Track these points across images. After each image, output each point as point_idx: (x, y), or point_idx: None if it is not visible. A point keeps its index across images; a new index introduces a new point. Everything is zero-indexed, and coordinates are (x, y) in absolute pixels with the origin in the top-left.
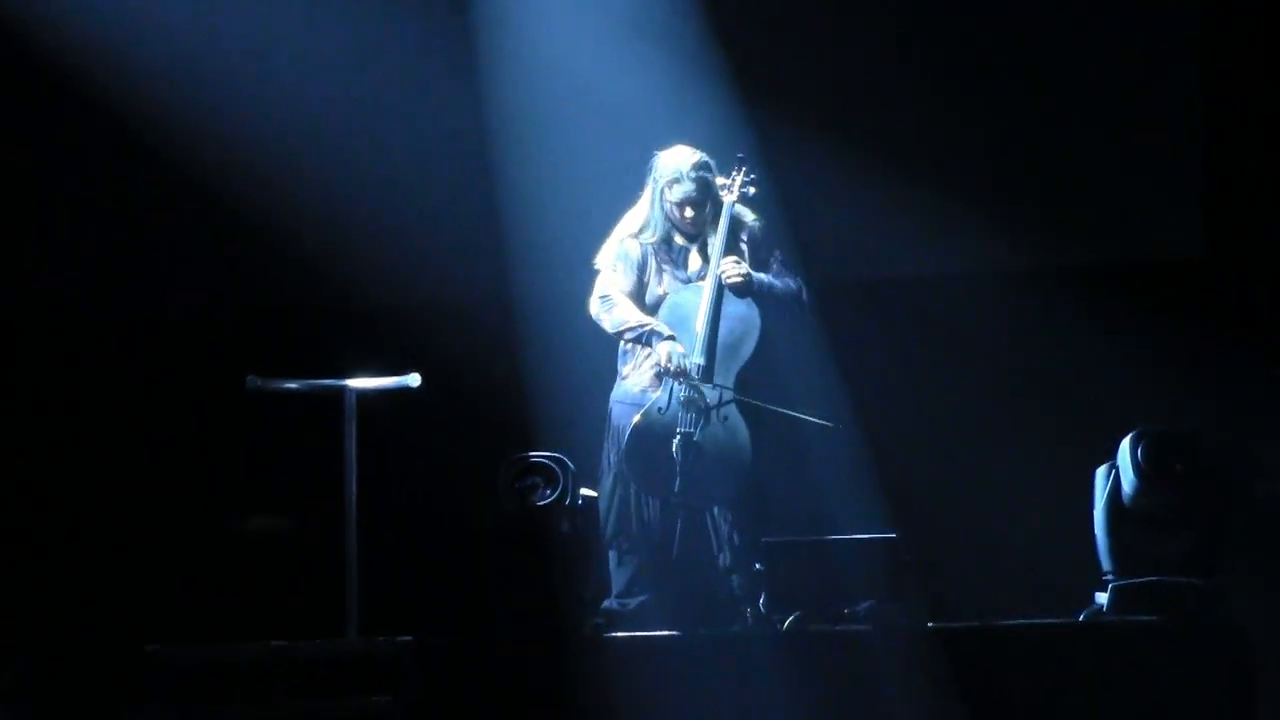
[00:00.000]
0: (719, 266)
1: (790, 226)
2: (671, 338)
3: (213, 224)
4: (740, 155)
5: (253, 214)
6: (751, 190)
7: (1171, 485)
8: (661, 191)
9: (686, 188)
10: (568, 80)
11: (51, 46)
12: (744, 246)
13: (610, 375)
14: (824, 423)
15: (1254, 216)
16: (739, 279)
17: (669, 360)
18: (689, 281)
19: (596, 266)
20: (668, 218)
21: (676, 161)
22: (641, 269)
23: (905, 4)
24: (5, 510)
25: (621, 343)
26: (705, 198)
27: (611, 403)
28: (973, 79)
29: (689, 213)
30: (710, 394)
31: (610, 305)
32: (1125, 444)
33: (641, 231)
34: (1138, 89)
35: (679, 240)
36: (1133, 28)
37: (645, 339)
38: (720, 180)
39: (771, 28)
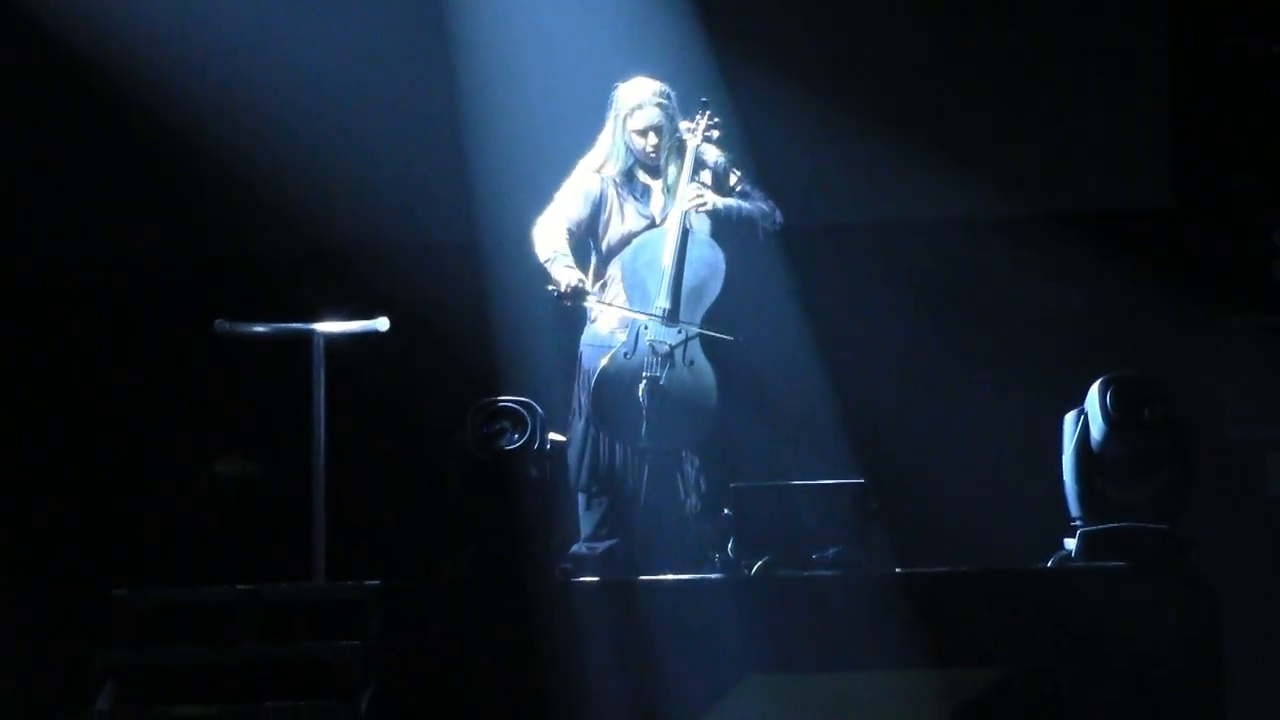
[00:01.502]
0: (683, 198)
1: (754, 170)
2: (572, 267)
3: (178, 169)
4: (704, 100)
5: (219, 159)
6: (715, 134)
7: (1140, 431)
8: (624, 122)
9: (648, 114)
10: (532, 20)
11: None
12: (707, 176)
13: (578, 317)
14: (723, 336)
15: (1221, 165)
16: (703, 207)
17: (563, 285)
18: (651, 219)
19: (554, 198)
20: (630, 148)
21: (637, 91)
22: (598, 203)
23: None
24: None
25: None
26: (666, 125)
27: (581, 345)
28: (941, 24)
29: (651, 140)
30: (675, 336)
31: (540, 230)
32: (1094, 390)
33: (603, 165)
34: (1106, 36)
35: (641, 176)
36: None
37: (549, 262)
38: (685, 124)
39: None
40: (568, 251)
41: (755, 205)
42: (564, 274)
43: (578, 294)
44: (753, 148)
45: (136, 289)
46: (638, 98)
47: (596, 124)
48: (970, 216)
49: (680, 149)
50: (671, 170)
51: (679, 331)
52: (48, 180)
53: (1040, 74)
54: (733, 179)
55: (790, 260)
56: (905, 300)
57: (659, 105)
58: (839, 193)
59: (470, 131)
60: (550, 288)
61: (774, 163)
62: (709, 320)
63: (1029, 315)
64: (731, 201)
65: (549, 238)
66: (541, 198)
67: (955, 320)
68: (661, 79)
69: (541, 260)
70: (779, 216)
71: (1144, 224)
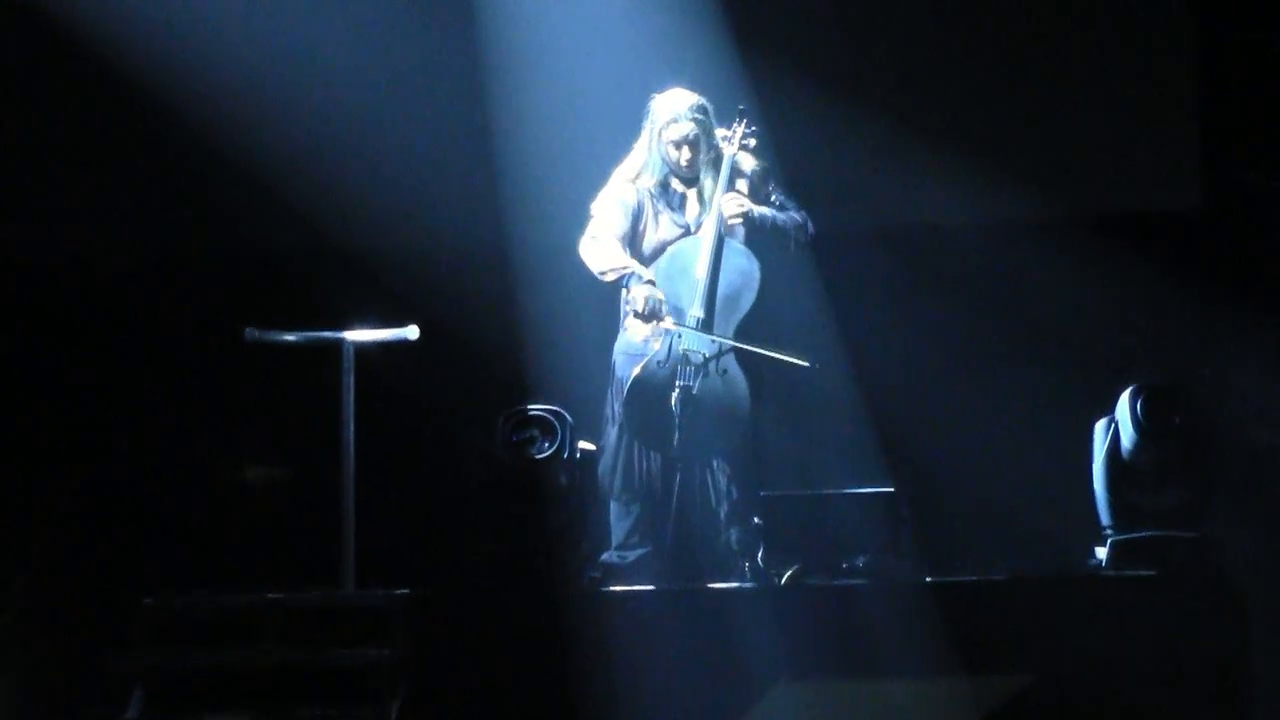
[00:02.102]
0: (720, 205)
1: (790, 176)
2: (651, 282)
3: (211, 174)
4: (741, 108)
5: (250, 165)
6: (752, 143)
7: (1170, 439)
8: (659, 133)
9: (684, 128)
10: (565, 26)
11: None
12: (744, 185)
13: (609, 326)
14: (799, 361)
15: (1251, 166)
16: (740, 215)
17: (645, 305)
18: (686, 227)
19: (592, 211)
20: (665, 160)
21: (673, 103)
22: (637, 214)
23: None
24: (3, 460)
25: (623, 292)
26: (702, 138)
27: (615, 354)
28: (970, 29)
29: (686, 153)
30: (709, 346)
31: (596, 245)
32: (1124, 398)
33: (639, 176)
34: (1134, 38)
35: (676, 185)
36: None
37: (625, 282)
38: (721, 132)
39: None
40: (640, 267)
41: (789, 216)
42: (641, 291)
43: (656, 312)
44: (785, 153)
45: (167, 295)
46: (674, 111)
47: (629, 130)
48: (999, 220)
49: (716, 160)
50: (707, 181)
51: (713, 340)
52: (81, 183)
53: (1068, 77)
54: (768, 188)
55: (822, 265)
56: (935, 306)
57: (695, 119)
58: (869, 197)
59: (502, 137)
60: (628, 308)
61: (806, 167)
62: (744, 329)
63: (1059, 319)
64: (766, 211)
65: (608, 256)
66: (573, 204)
67: (985, 325)
68: (694, 86)
69: (610, 276)
70: (811, 228)
71: (1174, 226)
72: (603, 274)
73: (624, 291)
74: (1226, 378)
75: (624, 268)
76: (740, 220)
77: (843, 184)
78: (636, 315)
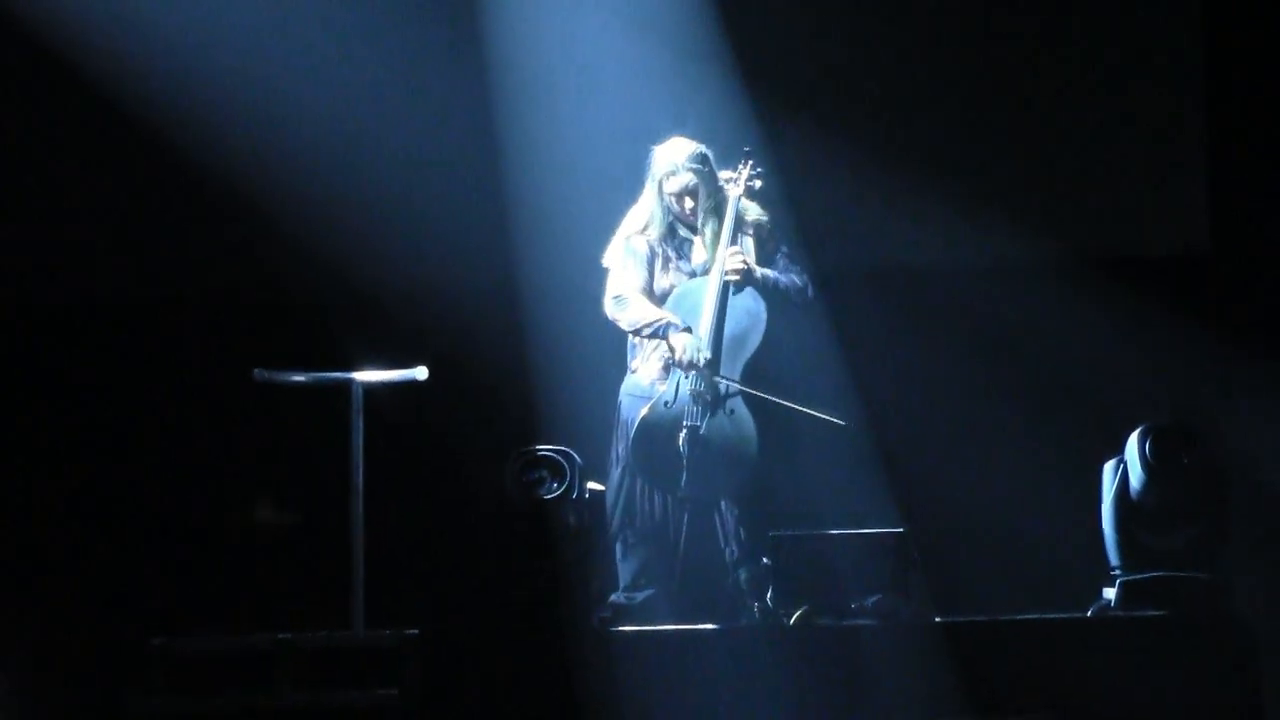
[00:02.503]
0: (723, 260)
1: (797, 218)
2: (688, 330)
3: (218, 215)
4: (747, 149)
5: (258, 205)
6: (758, 184)
7: (1179, 480)
8: (660, 184)
9: (684, 179)
10: (574, 72)
11: (59, 35)
12: (749, 240)
13: (618, 368)
14: (834, 419)
15: (1261, 210)
16: (738, 273)
17: (683, 352)
18: (694, 274)
19: (606, 265)
20: (668, 210)
21: (673, 154)
22: (650, 263)
23: None
24: (13, 501)
25: (632, 336)
26: (702, 187)
27: (621, 395)
28: (979, 70)
29: (688, 203)
30: (716, 387)
31: (625, 304)
32: (1134, 439)
33: (646, 228)
34: (1144, 81)
35: (682, 232)
36: (1137, 17)
37: (662, 332)
38: (726, 174)
39: (776, 21)
40: (674, 317)
41: (790, 279)
42: (680, 339)
43: (695, 361)
44: (791, 195)
45: (175, 334)
46: (673, 162)
47: (636, 172)
48: (1009, 263)
49: (719, 206)
50: (709, 227)
51: (720, 382)
52: (89, 223)
53: (1078, 120)
54: (774, 241)
55: (830, 306)
56: (944, 347)
57: (693, 169)
58: (876, 239)
59: (511, 178)
60: (666, 357)
61: (813, 210)
62: (751, 369)
63: (1068, 361)
64: (769, 273)
65: (641, 312)
66: (582, 245)
67: (995, 367)
68: (701, 130)
69: (646, 335)
70: (811, 292)
71: (1183, 269)
72: (637, 330)
73: (633, 337)
74: (1235, 420)
75: (659, 320)
76: (738, 278)
77: (852, 225)
78: (675, 364)
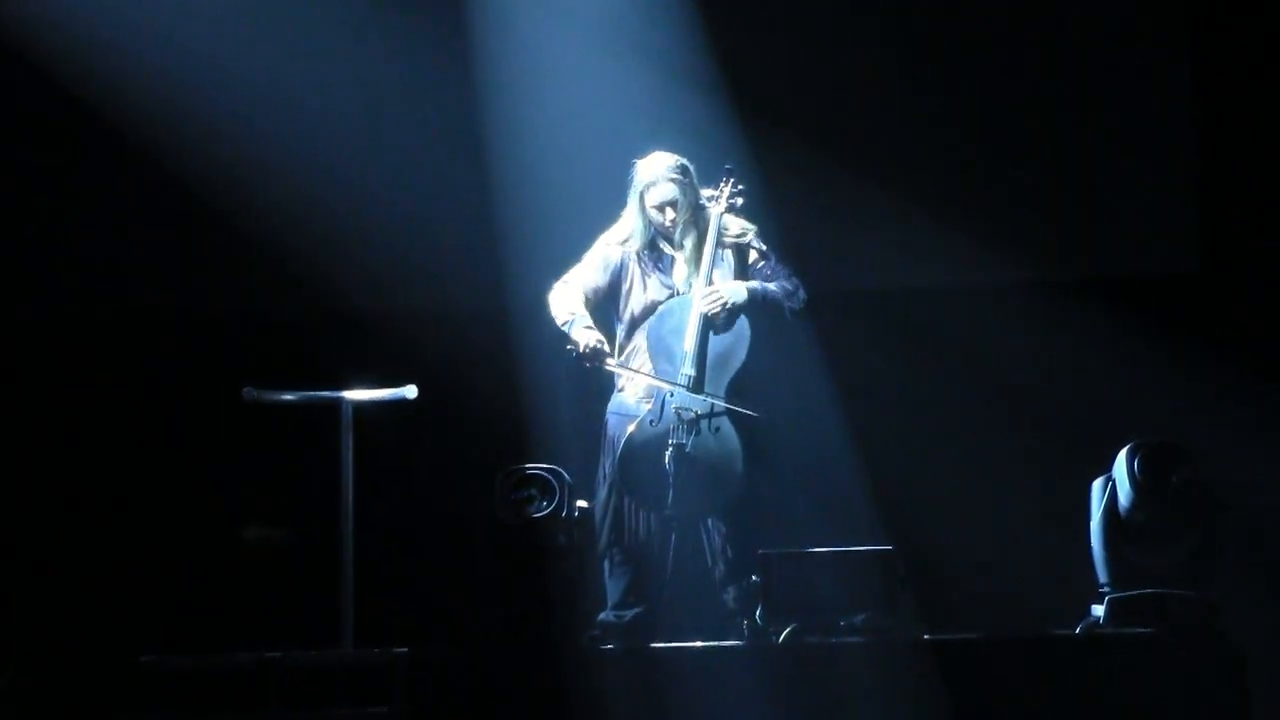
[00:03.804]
0: (700, 302)
1: (780, 237)
2: (590, 327)
3: (208, 233)
4: (728, 166)
5: (248, 223)
6: (739, 201)
7: (1168, 497)
8: (641, 196)
9: (664, 190)
10: (563, 90)
11: (48, 48)
12: (730, 255)
13: (606, 386)
14: (749, 412)
15: (1249, 230)
16: (721, 309)
17: (584, 347)
18: (675, 289)
19: None
20: (650, 223)
21: (653, 166)
22: (617, 273)
23: (897, 13)
24: (1, 519)
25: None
26: (682, 199)
27: (608, 414)
28: (967, 90)
29: (669, 214)
30: (701, 404)
31: (558, 292)
32: (1122, 456)
33: (627, 240)
34: (1133, 102)
35: (664, 248)
36: (1126, 40)
37: (568, 326)
38: (708, 191)
39: (762, 38)
40: (586, 314)
41: (779, 285)
42: (583, 335)
43: (597, 354)
44: (776, 214)
45: (165, 352)
46: (653, 174)
47: (624, 190)
48: (997, 282)
49: (699, 221)
50: (689, 242)
51: (704, 399)
52: (77, 241)
53: (1067, 139)
54: (753, 255)
55: (815, 326)
56: (932, 366)
57: (673, 180)
58: (863, 259)
59: (500, 197)
60: (569, 348)
61: (798, 229)
62: (735, 387)
63: (1056, 381)
64: (755, 285)
65: (565, 301)
66: (570, 264)
67: (983, 386)
68: (686, 147)
69: (559, 323)
70: (803, 294)
71: (1172, 289)
72: (556, 320)
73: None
74: (1224, 438)
75: (570, 313)
76: (722, 315)
77: (836, 245)
78: (577, 357)
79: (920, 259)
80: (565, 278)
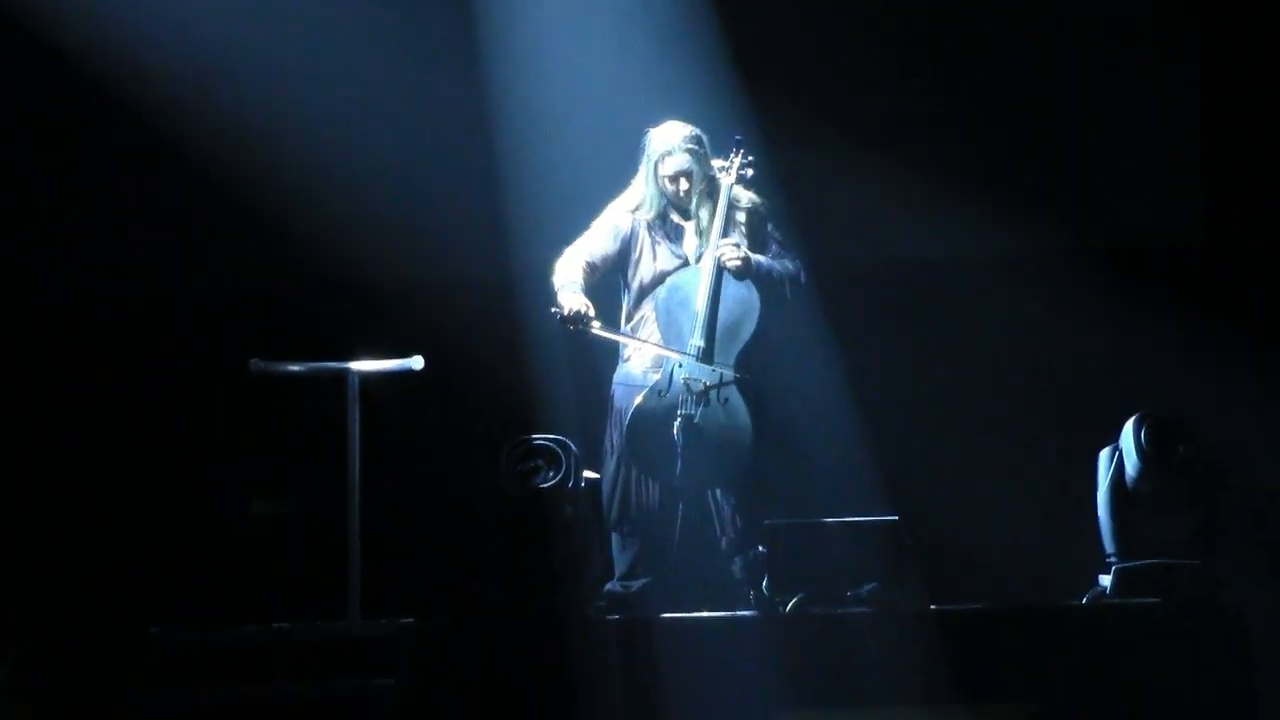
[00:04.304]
0: (718, 249)
1: (789, 207)
2: (577, 293)
3: (214, 207)
4: (738, 137)
5: (254, 197)
6: (749, 172)
7: (1174, 468)
8: (655, 166)
9: (679, 160)
10: (568, 60)
11: (54, 30)
12: (742, 228)
13: (613, 356)
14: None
15: (1254, 200)
16: (738, 262)
17: (566, 310)
18: (684, 259)
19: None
20: (662, 193)
21: (668, 136)
22: (627, 242)
23: None
24: (10, 493)
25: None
26: (697, 169)
27: (614, 385)
28: (972, 62)
29: (682, 185)
30: (710, 375)
31: (561, 261)
32: (1129, 427)
33: (637, 208)
34: (1137, 72)
35: (675, 218)
36: (1131, 9)
37: (561, 288)
38: (718, 162)
39: (768, 10)
40: (578, 280)
41: (784, 265)
42: (569, 299)
43: (579, 319)
44: (784, 186)
45: (171, 326)
46: (668, 143)
47: (631, 161)
48: (1002, 253)
49: (712, 192)
50: (703, 213)
51: (713, 370)
52: (85, 217)
53: (1072, 111)
54: (767, 227)
55: (822, 297)
56: (938, 336)
57: (689, 151)
58: (867, 230)
59: (505, 168)
60: (553, 310)
61: (805, 201)
62: (744, 358)
63: (1062, 351)
64: (763, 259)
65: (565, 268)
66: (577, 235)
67: (989, 356)
68: (694, 117)
69: (555, 288)
70: (804, 278)
71: (1178, 259)
72: (555, 288)
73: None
74: (1230, 408)
75: (569, 280)
76: (738, 268)
77: (843, 216)
78: (561, 320)
79: (925, 230)
80: (572, 246)
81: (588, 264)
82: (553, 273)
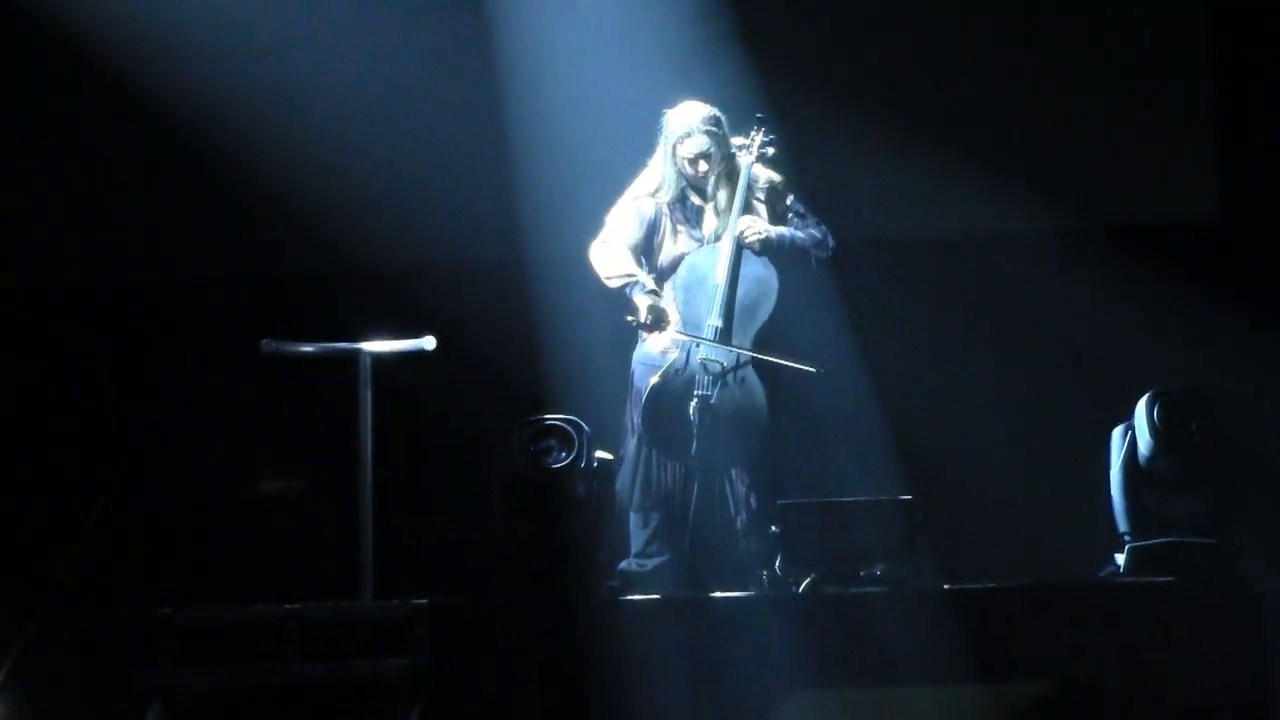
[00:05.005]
0: (737, 227)
1: (807, 186)
2: (654, 292)
3: (227, 189)
4: (759, 116)
5: (267, 179)
6: (770, 151)
7: (1187, 445)
8: (674, 148)
9: (698, 141)
10: (582, 38)
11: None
12: (761, 205)
13: (625, 336)
14: (806, 368)
15: (1270, 177)
16: (758, 238)
17: (647, 314)
18: (704, 241)
19: (606, 220)
20: (680, 174)
21: (686, 117)
22: (652, 226)
23: None
24: (20, 476)
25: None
26: (716, 151)
27: (633, 364)
28: (987, 39)
29: (701, 166)
30: (727, 356)
31: (604, 251)
32: (1141, 405)
33: (657, 191)
34: (1150, 47)
35: (694, 199)
36: None
37: (629, 289)
38: (739, 140)
39: None
40: (636, 274)
41: (808, 233)
42: (643, 302)
43: (659, 322)
44: (800, 164)
45: (183, 308)
46: (687, 125)
47: (644, 142)
48: (1017, 232)
49: (731, 173)
50: (722, 194)
51: (730, 351)
52: (96, 200)
53: (1086, 90)
54: (786, 201)
55: (838, 276)
56: (952, 315)
57: (708, 132)
58: (886, 208)
59: (518, 149)
60: (630, 318)
61: (822, 179)
62: (762, 338)
63: (1076, 329)
64: (784, 230)
65: (616, 262)
66: (588, 214)
67: (1003, 334)
68: (709, 97)
69: (613, 286)
70: (831, 242)
71: (1191, 237)
72: (609, 279)
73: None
74: (1244, 385)
75: (629, 275)
76: (759, 243)
77: (862, 195)
78: (639, 326)
79: (939, 209)
80: (603, 236)
81: (632, 255)
82: (594, 268)
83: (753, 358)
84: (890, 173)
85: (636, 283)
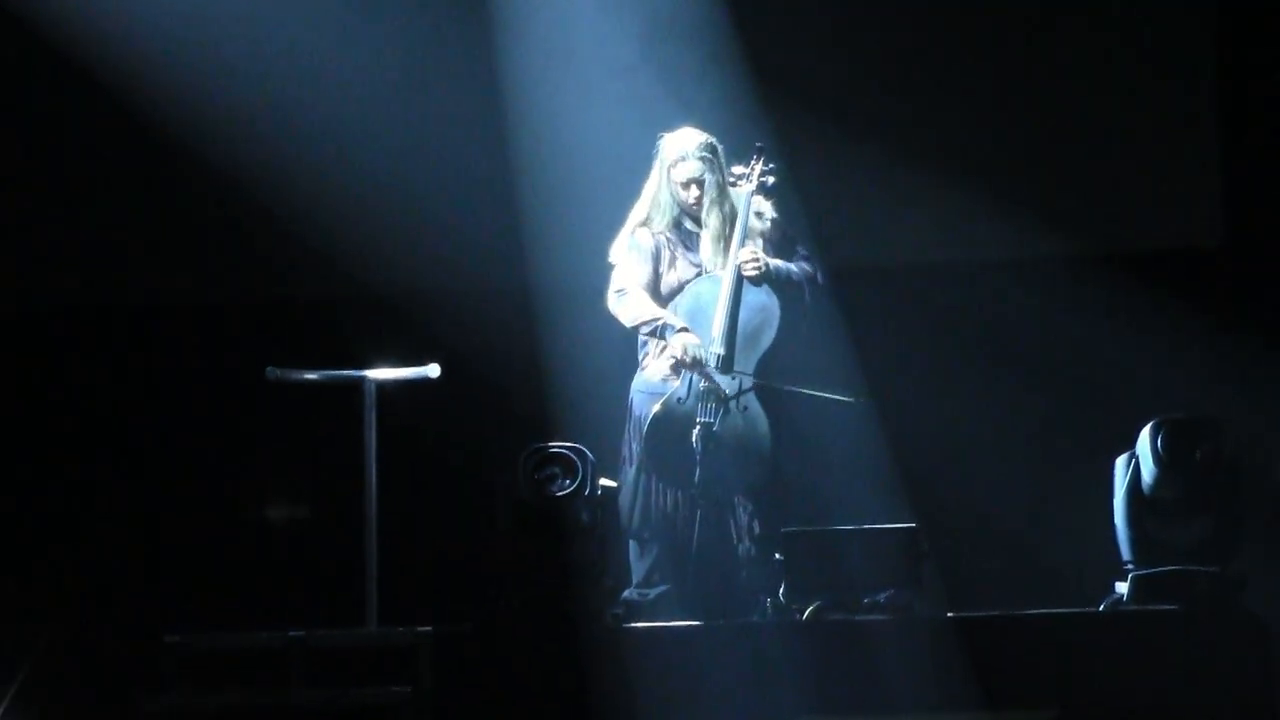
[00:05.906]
0: (738, 257)
1: (808, 213)
2: (685, 329)
3: (230, 214)
4: (759, 145)
5: (270, 204)
6: (770, 180)
7: (1191, 474)
8: (668, 172)
9: (692, 167)
10: (586, 66)
11: (65, 31)
12: (761, 236)
13: (629, 364)
14: (842, 398)
15: (1275, 202)
16: (757, 270)
17: (684, 352)
18: (702, 266)
19: (611, 261)
20: (675, 200)
21: (682, 142)
22: (655, 258)
23: None
24: (26, 500)
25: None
26: (709, 178)
27: (632, 392)
28: (991, 65)
29: (694, 192)
30: (729, 384)
31: (625, 299)
32: (1145, 433)
33: (650, 219)
34: (1156, 74)
35: (688, 225)
36: (1149, 11)
37: (660, 332)
38: (738, 169)
39: (787, 17)
40: (672, 317)
41: (801, 269)
42: (679, 341)
43: (699, 362)
44: (804, 191)
45: (188, 333)
46: (682, 149)
47: (648, 171)
48: (1021, 257)
49: (723, 200)
50: (714, 220)
51: (733, 378)
52: (101, 224)
53: (1091, 114)
54: (780, 238)
55: (842, 301)
56: (954, 342)
57: (702, 158)
58: (888, 235)
59: (522, 177)
60: (672, 357)
61: (826, 206)
62: (764, 365)
63: (1079, 356)
64: (782, 263)
65: (639, 309)
66: (593, 243)
67: (1006, 362)
68: (711, 124)
69: (649, 327)
70: (821, 279)
71: (1196, 263)
72: (636, 326)
73: (646, 340)
74: (1248, 413)
75: (656, 319)
76: (758, 275)
77: (863, 221)
78: (678, 364)
79: (944, 235)
80: (616, 284)
81: (650, 296)
82: (618, 316)
83: (790, 390)
84: (896, 200)
85: (667, 325)
